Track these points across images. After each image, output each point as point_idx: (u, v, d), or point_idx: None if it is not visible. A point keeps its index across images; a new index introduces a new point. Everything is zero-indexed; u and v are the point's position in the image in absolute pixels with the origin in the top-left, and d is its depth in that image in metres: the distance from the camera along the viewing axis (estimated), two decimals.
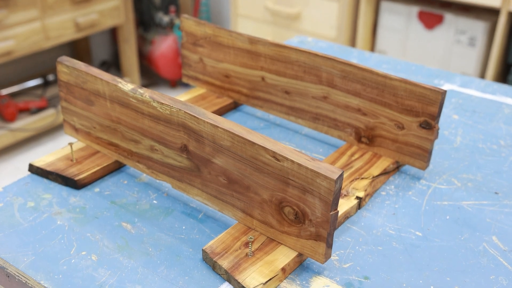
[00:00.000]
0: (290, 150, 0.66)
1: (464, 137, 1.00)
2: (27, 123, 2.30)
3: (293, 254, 0.70)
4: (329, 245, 0.67)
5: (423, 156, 0.86)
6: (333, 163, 0.88)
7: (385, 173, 0.88)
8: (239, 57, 1.00)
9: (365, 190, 0.83)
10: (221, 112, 1.05)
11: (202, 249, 0.70)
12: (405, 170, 0.91)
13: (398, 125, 0.87)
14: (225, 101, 1.06)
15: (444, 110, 1.09)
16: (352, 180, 0.84)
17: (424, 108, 0.83)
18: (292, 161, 0.65)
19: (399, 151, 0.89)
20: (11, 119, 2.27)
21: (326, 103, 0.93)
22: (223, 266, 0.67)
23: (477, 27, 2.06)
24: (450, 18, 2.12)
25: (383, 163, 0.89)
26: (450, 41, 2.15)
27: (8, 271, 0.71)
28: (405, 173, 0.90)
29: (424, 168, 0.87)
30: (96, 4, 2.38)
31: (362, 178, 0.85)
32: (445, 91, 0.81)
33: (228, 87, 1.05)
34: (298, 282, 0.68)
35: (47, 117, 2.36)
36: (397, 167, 0.91)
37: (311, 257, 0.69)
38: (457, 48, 2.14)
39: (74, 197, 0.82)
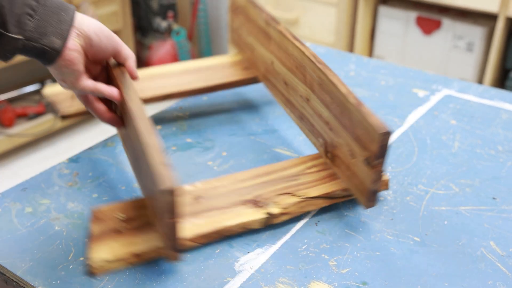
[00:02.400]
0: None
1: (462, 142, 1.00)
2: (25, 129, 2.30)
3: (156, 244, 0.70)
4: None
5: (364, 194, 0.75)
6: (284, 169, 0.83)
7: (326, 197, 0.79)
8: (260, 34, 1.00)
9: (285, 209, 0.76)
10: (237, 85, 1.06)
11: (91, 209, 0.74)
12: (402, 175, 0.91)
13: (351, 153, 0.76)
14: (249, 74, 1.07)
15: (442, 115, 1.09)
16: (283, 194, 0.78)
17: (368, 144, 0.71)
18: None
19: (350, 180, 0.78)
20: (9, 124, 2.27)
21: (308, 106, 0.86)
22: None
23: (475, 32, 2.07)
24: (448, 24, 2.12)
25: (333, 187, 0.80)
26: (448, 46, 2.16)
27: (6, 277, 0.71)
28: (403, 178, 0.90)
29: (366, 207, 0.76)
30: (94, 9, 2.38)
31: (293, 195, 0.78)
32: (387, 132, 0.68)
33: (253, 61, 1.06)
34: (296, 287, 0.68)
35: (45, 122, 2.36)
36: (349, 195, 0.81)
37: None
38: (455, 53, 2.15)
39: (72, 203, 0.82)
